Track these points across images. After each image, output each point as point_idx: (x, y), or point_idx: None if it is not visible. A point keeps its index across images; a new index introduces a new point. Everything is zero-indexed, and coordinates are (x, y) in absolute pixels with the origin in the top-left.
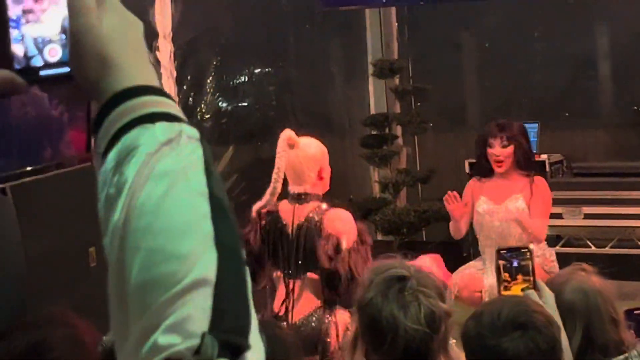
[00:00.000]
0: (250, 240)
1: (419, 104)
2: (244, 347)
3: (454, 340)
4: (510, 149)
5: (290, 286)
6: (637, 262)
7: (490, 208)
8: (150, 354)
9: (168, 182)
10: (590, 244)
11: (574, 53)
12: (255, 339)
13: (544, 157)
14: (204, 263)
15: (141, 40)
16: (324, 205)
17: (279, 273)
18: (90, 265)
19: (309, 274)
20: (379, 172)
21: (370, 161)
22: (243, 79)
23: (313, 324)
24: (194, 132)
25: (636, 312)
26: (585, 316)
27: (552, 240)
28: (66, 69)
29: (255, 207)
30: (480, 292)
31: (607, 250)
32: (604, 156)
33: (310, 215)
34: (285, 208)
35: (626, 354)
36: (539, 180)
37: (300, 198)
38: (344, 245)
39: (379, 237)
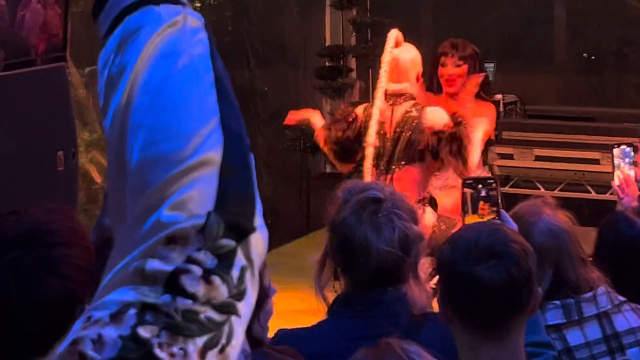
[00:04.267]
0: (348, 133)
1: (375, 37)
2: (249, 229)
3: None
4: (464, 68)
5: (386, 180)
6: (585, 207)
7: None
8: (152, 231)
9: (173, 62)
10: (539, 186)
11: None
12: (259, 222)
13: (498, 97)
14: (210, 143)
15: None
16: (419, 104)
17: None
18: (58, 169)
19: (405, 169)
20: (332, 104)
21: (323, 92)
22: (199, 3)
23: None
24: (198, 17)
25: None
26: (555, 258)
27: (501, 181)
28: None
29: (361, 107)
30: None
31: (556, 193)
32: (557, 100)
33: (408, 114)
34: (383, 110)
35: (593, 291)
36: (488, 105)
37: (397, 96)
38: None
39: (328, 170)
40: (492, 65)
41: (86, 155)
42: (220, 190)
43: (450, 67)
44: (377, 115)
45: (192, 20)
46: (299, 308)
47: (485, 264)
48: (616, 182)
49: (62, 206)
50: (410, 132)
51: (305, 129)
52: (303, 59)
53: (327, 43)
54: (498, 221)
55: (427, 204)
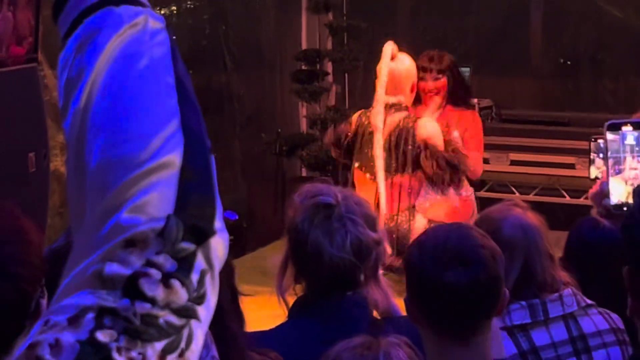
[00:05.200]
0: (343, 140)
1: (351, 41)
2: (209, 232)
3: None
4: (443, 81)
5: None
6: (560, 211)
7: None
8: (111, 234)
9: (133, 64)
10: (514, 190)
11: (508, 1)
12: (220, 226)
13: (474, 101)
14: (170, 146)
15: None
16: (412, 115)
17: (360, 172)
18: (30, 171)
19: (396, 177)
20: (308, 107)
21: (299, 96)
22: (176, 7)
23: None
24: (159, 18)
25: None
26: (525, 252)
27: (476, 185)
28: None
29: (357, 113)
30: None
31: (531, 197)
32: (532, 104)
33: (402, 124)
34: (376, 116)
35: (559, 293)
36: (472, 114)
37: (393, 107)
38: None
39: (304, 174)
40: (467, 69)
41: (62, 158)
42: (180, 193)
43: (430, 82)
44: (380, 129)
45: (152, 21)
46: (273, 313)
47: (454, 270)
48: (591, 176)
49: (8, 205)
50: (403, 143)
51: (281, 133)
52: (280, 63)
53: (304, 47)
54: (467, 223)
55: (416, 211)
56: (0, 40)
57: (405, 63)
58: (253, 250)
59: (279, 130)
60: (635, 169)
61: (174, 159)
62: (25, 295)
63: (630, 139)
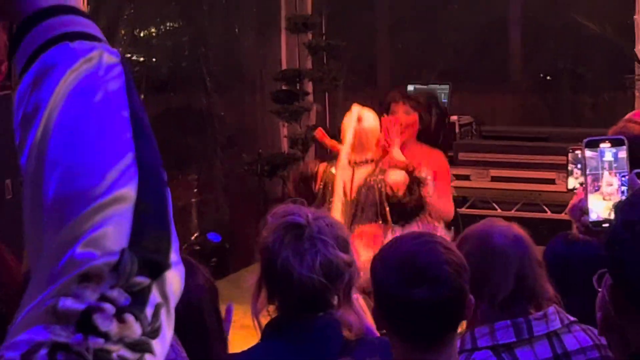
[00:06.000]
0: (312, 188)
1: (331, 60)
2: (164, 266)
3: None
4: (414, 117)
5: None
6: (542, 226)
7: None
8: (66, 269)
9: (88, 99)
10: (496, 206)
11: (487, 17)
12: (176, 259)
13: (454, 118)
14: (125, 180)
15: None
16: (378, 169)
17: None
18: (6, 197)
19: (360, 227)
20: (289, 127)
21: (280, 116)
22: (156, 29)
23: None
24: (114, 52)
25: None
26: (518, 260)
27: (458, 202)
28: None
29: (322, 166)
30: None
31: (513, 213)
32: (512, 120)
33: (370, 178)
34: (343, 172)
35: (544, 311)
36: (439, 155)
37: (359, 164)
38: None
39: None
40: (447, 86)
41: None
42: (135, 227)
43: (401, 115)
44: (340, 184)
45: (108, 56)
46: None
47: (419, 287)
48: (569, 186)
49: None
50: (377, 194)
51: (262, 153)
52: (260, 83)
53: (284, 67)
54: (431, 235)
55: None
56: None
57: (370, 121)
58: (236, 271)
59: (260, 150)
60: (611, 185)
61: (129, 192)
62: (3, 317)
63: (608, 156)
